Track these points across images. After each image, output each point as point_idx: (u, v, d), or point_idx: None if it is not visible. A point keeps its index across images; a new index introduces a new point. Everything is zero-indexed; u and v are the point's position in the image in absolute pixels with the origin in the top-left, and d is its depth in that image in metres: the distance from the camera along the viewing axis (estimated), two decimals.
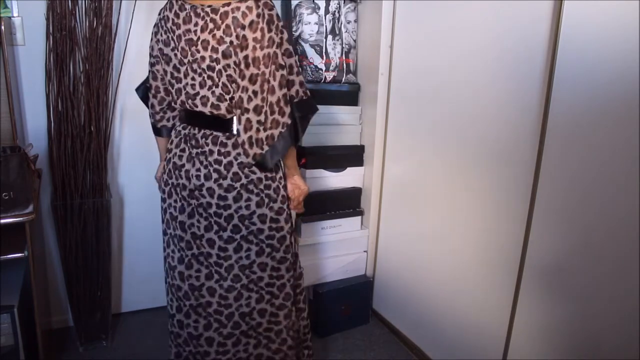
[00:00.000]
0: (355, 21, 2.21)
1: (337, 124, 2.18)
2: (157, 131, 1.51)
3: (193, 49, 1.25)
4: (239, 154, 1.28)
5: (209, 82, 1.26)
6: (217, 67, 1.23)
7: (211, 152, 1.30)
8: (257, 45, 1.20)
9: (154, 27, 1.38)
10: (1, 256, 1.37)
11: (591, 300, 1.30)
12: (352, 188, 2.23)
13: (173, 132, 1.43)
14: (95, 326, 1.94)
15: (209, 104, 1.28)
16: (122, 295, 2.19)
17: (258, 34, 1.19)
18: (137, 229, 2.14)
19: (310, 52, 2.10)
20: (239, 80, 1.22)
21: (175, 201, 1.37)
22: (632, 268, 1.18)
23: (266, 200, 1.34)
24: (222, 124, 1.29)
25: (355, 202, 2.24)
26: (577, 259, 1.32)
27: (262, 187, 1.32)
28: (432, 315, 1.90)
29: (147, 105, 1.53)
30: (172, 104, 1.43)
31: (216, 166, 1.29)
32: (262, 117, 1.23)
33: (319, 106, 2.11)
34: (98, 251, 1.87)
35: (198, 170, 1.31)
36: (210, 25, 1.22)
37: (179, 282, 1.40)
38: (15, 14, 1.75)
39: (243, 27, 1.19)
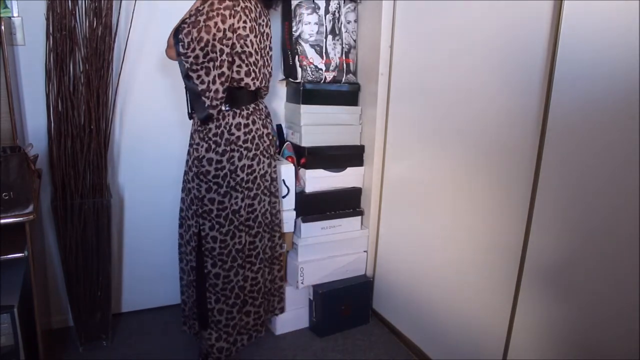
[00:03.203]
0: (355, 21, 2.21)
1: (337, 124, 2.18)
2: (212, 118, 1.65)
3: (263, 39, 1.75)
4: (266, 107, 1.86)
5: (267, 63, 1.79)
6: (270, 53, 1.81)
7: (265, 111, 1.83)
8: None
9: (229, 11, 1.56)
10: (1, 256, 1.37)
11: (591, 300, 1.30)
12: (352, 188, 2.23)
13: (239, 116, 1.68)
14: (95, 326, 1.94)
15: (264, 81, 1.78)
16: (122, 295, 2.19)
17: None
18: (137, 229, 2.14)
19: (310, 52, 2.10)
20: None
21: (262, 161, 1.76)
22: (632, 268, 1.18)
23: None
24: (260, 95, 1.79)
25: (355, 202, 2.24)
26: (577, 259, 1.33)
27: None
28: (432, 315, 1.90)
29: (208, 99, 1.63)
30: (242, 85, 1.67)
31: (269, 117, 1.87)
32: None
33: (319, 106, 2.14)
34: (98, 251, 1.87)
35: (268, 128, 1.81)
36: (270, 23, 1.80)
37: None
38: (15, 14, 1.75)
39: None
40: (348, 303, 2.15)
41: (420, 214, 1.95)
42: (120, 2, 1.85)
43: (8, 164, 1.39)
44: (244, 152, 1.69)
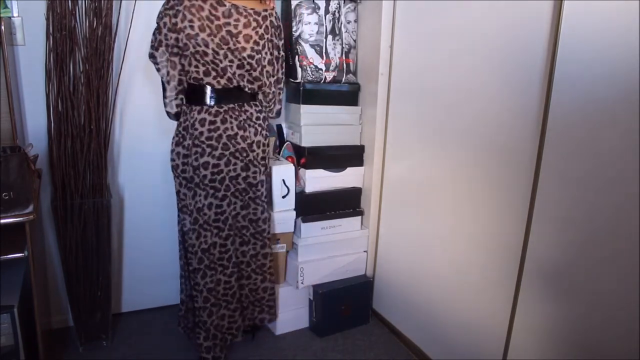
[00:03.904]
0: (355, 21, 2.21)
1: (337, 124, 2.18)
2: (178, 115, 1.74)
3: (234, 39, 1.65)
4: (260, 111, 1.80)
5: (247, 67, 1.70)
6: (257, 57, 1.71)
7: (251, 115, 1.76)
8: (280, 45, 1.82)
9: (172, 11, 1.59)
10: (1, 256, 1.37)
11: (591, 300, 1.30)
12: (352, 188, 2.23)
13: (205, 112, 1.67)
14: (95, 326, 1.94)
15: (245, 81, 1.72)
16: (122, 295, 2.19)
17: (280, 40, 1.81)
18: (137, 229, 2.14)
19: (310, 52, 2.10)
20: (268, 67, 1.77)
21: (232, 162, 1.72)
22: (632, 268, 1.18)
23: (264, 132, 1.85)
24: (251, 97, 1.77)
25: (355, 202, 2.24)
26: (577, 259, 1.33)
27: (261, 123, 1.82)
28: (432, 315, 1.90)
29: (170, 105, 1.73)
30: (205, 83, 1.67)
31: (258, 122, 1.79)
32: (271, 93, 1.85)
33: (319, 106, 2.14)
34: (98, 251, 1.87)
35: (247, 131, 1.74)
36: (254, 24, 1.68)
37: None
38: (15, 14, 1.75)
39: (276, 29, 1.78)
40: (348, 303, 2.15)
41: (420, 214, 1.95)
42: (120, 2, 1.85)
43: (8, 164, 1.39)
44: (207, 150, 1.67)
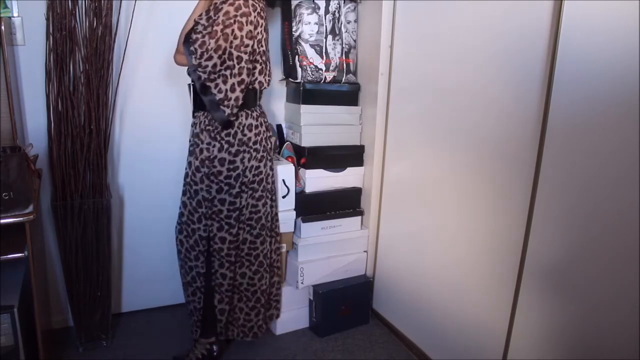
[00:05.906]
0: (355, 21, 2.21)
1: (337, 124, 2.18)
2: (232, 124, 1.68)
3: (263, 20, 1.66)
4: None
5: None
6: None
7: (263, 113, 1.80)
8: None
9: (246, 18, 1.56)
10: (1, 256, 1.37)
11: (591, 300, 1.30)
12: (352, 188, 2.23)
13: (251, 117, 1.70)
14: (95, 326, 1.94)
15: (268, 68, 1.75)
16: (122, 295, 2.19)
17: None
18: (137, 229, 2.14)
19: (310, 52, 2.10)
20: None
21: (267, 164, 1.78)
22: (631, 268, 1.18)
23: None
24: (260, 97, 1.78)
25: (355, 202, 2.24)
26: (577, 259, 1.33)
27: None
28: (432, 315, 1.90)
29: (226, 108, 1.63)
30: (256, 84, 1.70)
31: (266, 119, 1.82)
32: None
33: (319, 106, 2.13)
34: (98, 251, 1.87)
35: (270, 132, 1.83)
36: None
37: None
38: (15, 14, 1.75)
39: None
40: (348, 303, 2.15)
41: (421, 214, 1.95)
42: (120, 2, 1.85)
43: (8, 164, 1.39)
44: (253, 154, 1.71)
